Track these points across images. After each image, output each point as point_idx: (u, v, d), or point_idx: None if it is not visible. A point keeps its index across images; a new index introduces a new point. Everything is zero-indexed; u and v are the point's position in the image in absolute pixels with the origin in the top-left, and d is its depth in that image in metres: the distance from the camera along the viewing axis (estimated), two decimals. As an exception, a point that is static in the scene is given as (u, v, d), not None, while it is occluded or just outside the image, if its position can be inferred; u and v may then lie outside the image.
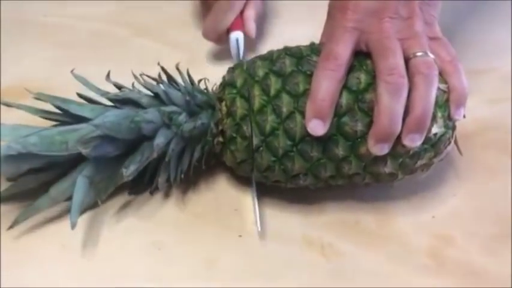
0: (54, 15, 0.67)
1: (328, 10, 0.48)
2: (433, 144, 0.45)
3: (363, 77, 0.44)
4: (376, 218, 0.49)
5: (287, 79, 0.45)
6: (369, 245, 0.47)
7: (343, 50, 0.44)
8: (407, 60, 0.43)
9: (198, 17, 0.67)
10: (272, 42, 0.49)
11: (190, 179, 0.49)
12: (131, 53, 0.62)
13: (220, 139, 0.47)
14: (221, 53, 0.63)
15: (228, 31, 0.60)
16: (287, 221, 0.48)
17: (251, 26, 0.61)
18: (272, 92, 0.45)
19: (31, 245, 0.46)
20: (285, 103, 0.44)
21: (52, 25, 0.66)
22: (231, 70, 0.49)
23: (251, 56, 0.50)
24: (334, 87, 0.43)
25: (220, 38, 0.61)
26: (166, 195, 0.50)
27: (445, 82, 0.45)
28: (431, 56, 0.44)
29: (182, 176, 0.47)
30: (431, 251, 0.46)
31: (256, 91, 0.45)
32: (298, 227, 0.48)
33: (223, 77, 0.49)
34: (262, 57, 0.48)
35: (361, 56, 0.45)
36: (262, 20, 0.66)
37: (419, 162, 0.46)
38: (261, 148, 0.45)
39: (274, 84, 0.45)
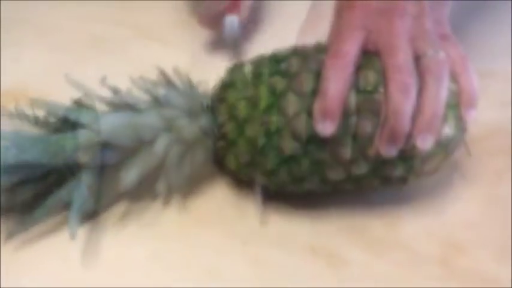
0: (54, 15, 0.66)
1: (335, 10, 0.47)
2: (444, 146, 0.44)
3: (371, 77, 0.43)
4: (384, 223, 0.47)
5: (293, 78, 0.43)
6: (377, 251, 0.46)
7: (351, 49, 0.43)
8: (417, 60, 0.42)
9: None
10: (275, 43, 0.48)
11: (191, 184, 0.48)
12: (131, 54, 0.61)
13: (223, 142, 0.46)
14: (223, 54, 0.62)
15: (223, 16, 0.61)
16: (293, 228, 0.47)
17: (244, 13, 0.61)
18: (277, 91, 0.43)
19: (30, 256, 0.45)
20: (291, 103, 0.43)
21: (52, 26, 0.65)
22: (231, 70, 0.47)
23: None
24: (342, 86, 0.42)
25: (215, 23, 0.61)
26: (168, 201, 0.48)
27: (456, 82, 0.44)
28: (442, 54, 0.42)
29: (183, 181, 0.46)
30: (441, 257, 0.45)
31: (261, 91, 0.44)
32: (304, 233, 0.47)
33: (224, 78, 0.47)
34: (267, 57, 0.46)
35: (370, 56, 0.43)
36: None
37: (430, 165, 0.44)
38: (266, 150, 0.44)
39: (279, 83, 0.43)
